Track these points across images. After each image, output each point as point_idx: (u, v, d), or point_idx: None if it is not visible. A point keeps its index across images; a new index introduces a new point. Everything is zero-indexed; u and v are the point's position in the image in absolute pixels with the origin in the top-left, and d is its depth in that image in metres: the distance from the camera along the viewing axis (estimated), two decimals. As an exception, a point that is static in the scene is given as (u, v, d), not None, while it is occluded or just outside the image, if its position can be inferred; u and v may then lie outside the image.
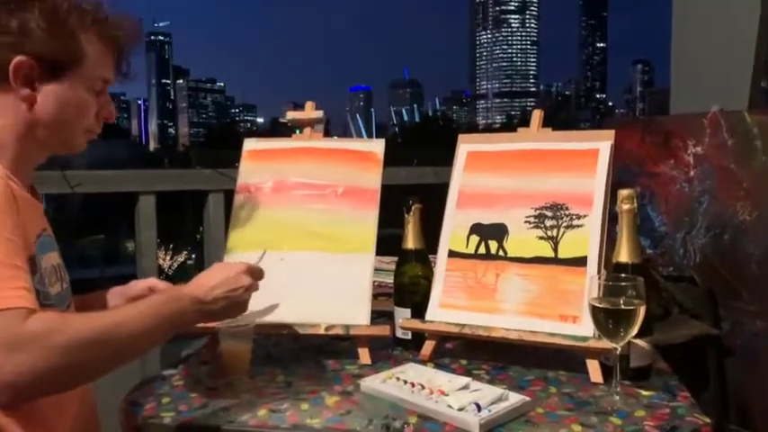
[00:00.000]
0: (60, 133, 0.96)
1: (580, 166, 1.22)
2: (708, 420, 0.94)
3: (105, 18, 0.96)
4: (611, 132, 1.23)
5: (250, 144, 1.41)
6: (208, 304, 0.95)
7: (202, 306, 0.95)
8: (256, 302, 1.24)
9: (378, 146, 1.35)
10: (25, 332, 0.74)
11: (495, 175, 1.30)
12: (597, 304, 0.99)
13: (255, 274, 1.03)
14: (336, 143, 1.39)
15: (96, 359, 0.80)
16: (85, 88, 0.96)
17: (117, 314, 0.86)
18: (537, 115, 1.31)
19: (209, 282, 0.96)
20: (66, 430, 0.96)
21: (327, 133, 1.43)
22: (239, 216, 1.33)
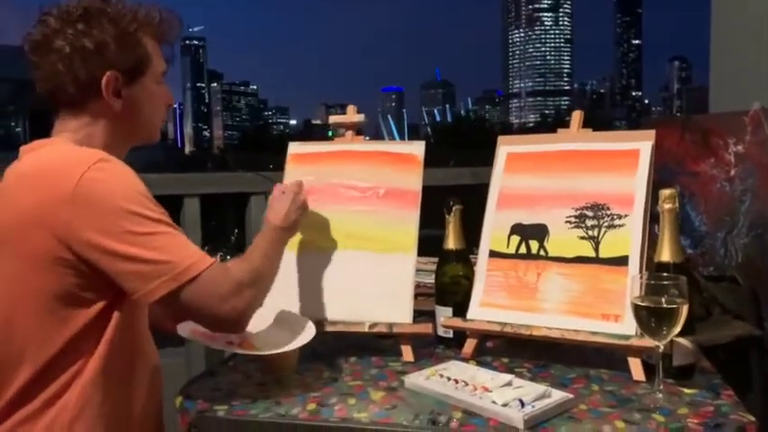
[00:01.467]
0: (144, 128, 1.10)
1: (621, 166, 1.22)
2: (753, 419, 0.94)
3: (160, 21, 1.08)
4: (652, 133, 1.23)
5: (294, 147, 1.44)
6: (290, 226, 1.19)
7: (289, 226, 1.19)
8: (305, 298, 1.28)
9: (418, 148, 1.36)
10: (236, 277, 0.99)
11: (535, 176, 1.31)
12: (640, 303, 1.00)
13: (300, 186, 1.26)
14: (377, 146, 1.40)
15: (266, 286, 1.07)
16: (155, 84, 1.09)
17: (259, 252, 1.09)
18: (577, 116, 1.31)
19: (281, 211, 1.19)
20: (142, 392, 1.05)
21: (359, 134, 1.46)
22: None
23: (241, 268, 1.03)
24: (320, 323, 1.26)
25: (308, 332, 1.16)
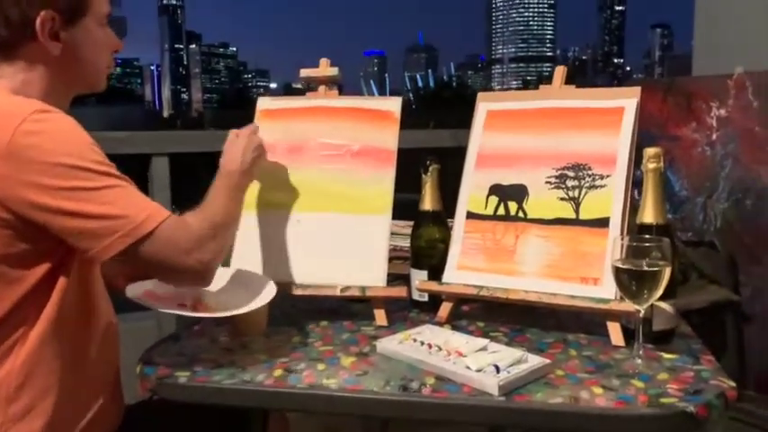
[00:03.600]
0: (87, 75, 1.02)
1: (604, 124, 1.19)
2: (733, 384, 0.92)
3: None
4: (637, 89, 1.19)
5: (264, 103, 1.39)
6: (247, 170, 1.16)
7: (245, 169, 1.16)
8: (273, 261, 1.24)
9: (394, 104, 1.32)
10: (196, 229, 0.97)
11: (515, 135, 1.27)
12: (621, 265, 0.97)
13: (255, 129, 1.23)
14: (352, 101, 1.35)
15: (229, 235, 1.06)
16: (97, 26, 1.01)
17: (217, 201, 1.06)
18: (560, 72, 1.27)
19: (237, 156, 1.16)
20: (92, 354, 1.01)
21: (336, 90, 1.41)
22: (257, 178, 1.32)
23: (200, 219, 1.00)
24: (290, 287, 1.23)
25: (268, 292, 1.12)
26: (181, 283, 1.01)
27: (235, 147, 1.17)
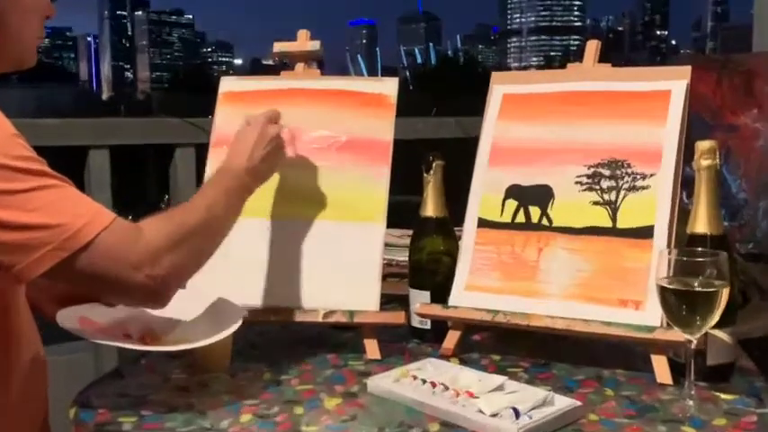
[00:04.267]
0: (12, 48, 1.01)
1: (646, 111, 1.20)
2: (805, 432, 0.93)
3: None
4: (687, 69, 1.20)
5: (228, 84, 1.39)
6: (258, 169, 1.15)
7: (254, 172, 1.14)
8: (239, 280, 1.25)
9: (390, 87, 1.33)
10: (150, 238, 0.96)
11: (537, 124, 1.28)
12: (667, 285, 0.98)
13: (274, 117, 1.21)
14: (337, 83, 1.36)
15: (202, 247, 1.05)
16: None
17: (198, 203, 1.06)
18: (593, 47, 1.28)
19: (245, 149, 1.14)
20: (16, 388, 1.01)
21: (319, 68, 1.43)
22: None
23: (161, 224, 0.99)
24: (260, 312, 1.23)
25: (234, 319, 1.12)
26: (129, 304, 1.01)
27: (244, 138, 1.16)
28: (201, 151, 1.86)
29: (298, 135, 1.28)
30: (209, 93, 1.43)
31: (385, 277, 1.32)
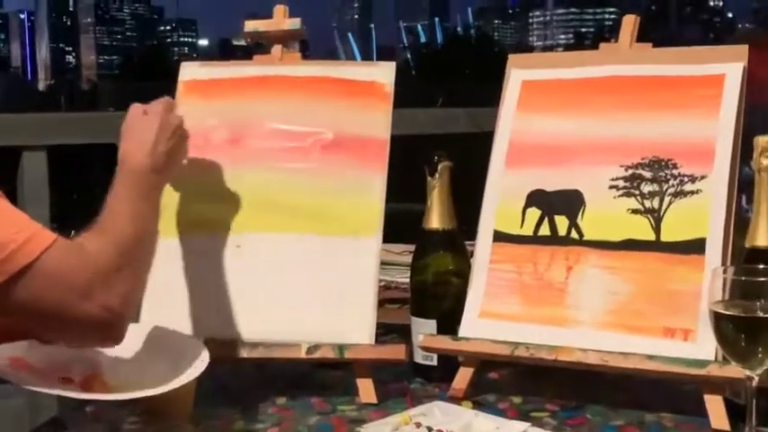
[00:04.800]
0: None
1: (696, 100, 1.21)
2: None
3: None
4: (744, 49, 1.21)
5: (190, 71, 1.40)
6: (163, 164, 1.16)
7: (159, 168, 1.15)
8: (204, 310, 1.25)
9: (386, 73, 1.34)
10: (99, 259, 0.99)
11: (564, 117, 1.29)
12: (723, 311, 0.98)
13: (172, 105, 1.23)
14: (322, 68, 1.37)
15: (144, 263, 1.09)
16: None
17: (122, 214, 1.08)
18: (630, 23, 1.29)
19: (145, 143, 1.15)
20: None
21: (305, 59, 1.43)
22: (175, 182, 1.33)
23: (102, 242, 1.01)
24: (230, 347, 1.23)
25: (197, 360, 1.13)
26: (78, 341, 1.02)
27: (141, 129, 1.17)
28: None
29: (269, 132, 1.30)
30: (168, 81, 1.44)
31: (382, 303, 1.33)
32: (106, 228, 1.05)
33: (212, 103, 1.36)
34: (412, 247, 1.38)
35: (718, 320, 0.99)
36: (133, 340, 1.18)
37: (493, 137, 1.33)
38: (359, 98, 1.32)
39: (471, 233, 1.31)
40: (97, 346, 1.09)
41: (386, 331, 1.35)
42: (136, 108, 1.20)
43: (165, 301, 1.26)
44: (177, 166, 1.22)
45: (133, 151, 1.15)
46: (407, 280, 1.38)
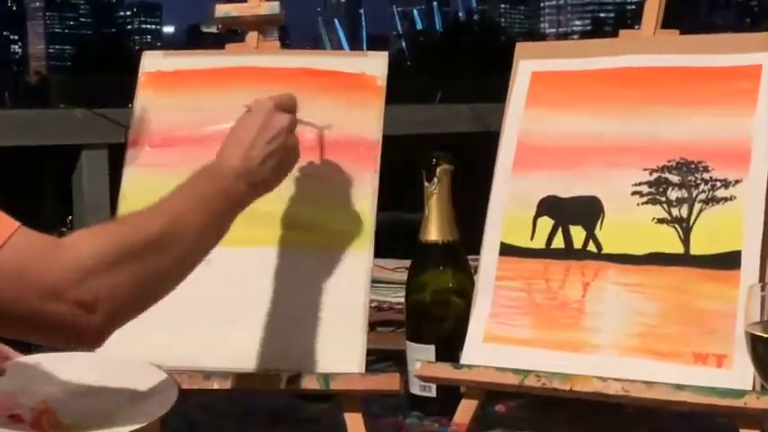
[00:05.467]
0: None
1: (728, 95, 1.21)
2: None
3: None
4: (784, 36, 1.22)
5: (153, 61, 1.41)
6: (256, 172, 1.14)
7: (251, 177, 1.13)
8: (169, 335, 1.25)
9: (377, 64, 1.35)
10: (78, 251, 0.96)
11: (579, 114, 1.30)
12: (762, 333, 0.98)
13: (288, 104, 1.20)
14: (304, 59, 1.38)
15: (163, 268, 1.04)
16: None
17: (163, 208, 1.07)
18: (653, 8, 1.29)
19: (240, 144, 1.14)
20: None
21: (285, 48, 1.46)
22: (135, 189, 1.33)
23: (92, 239, 1.00)
24: (199, 378, 1.23)
25: (163, 395, 1.13)
26: (49, 340, 1.02)
27: (241, 130, 1.17)
28: (117, 155, 1.86)
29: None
30: (128, 74, 1.44)
31: (373, 326, 1.34)
32: (113, 227, 1.05)
33: (178, 98, 1.37)
34: (407, 263, 1.38)
35: (756, 344, 0.99)
36: (90, 371, 1.18)
37: (499, 136, 1.34)
38: (347, 93, 1.33)
39: (475, 247, 1.32)
40: (75, 344, 1.06)
41: (378, 358, 1.36)
42: (246, 107, 1.20)
43: (125, 326, 1.26)
44: (279, 178, 1.19)
45: (224, 152, 1.14)
46: (402, 300, 1.38)
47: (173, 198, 1.08)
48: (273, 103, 1.18)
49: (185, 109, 1.36)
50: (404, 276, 1.39)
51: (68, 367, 1.17)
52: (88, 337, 0.99)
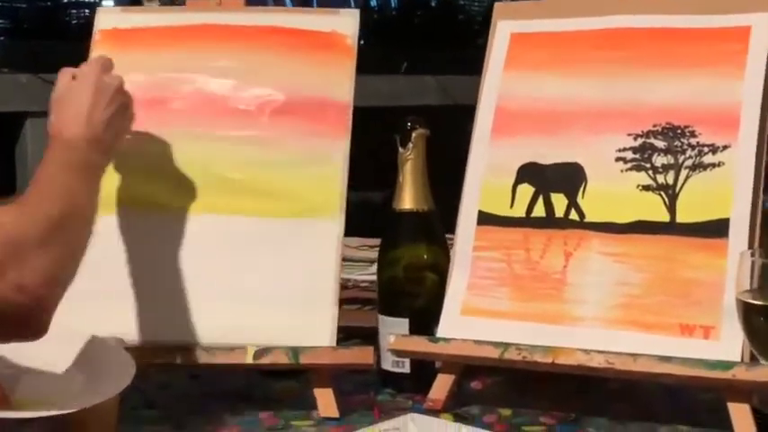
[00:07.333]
0: None
1: (716, 57, 1.22)
2: None
3: None
4: (773, -4, 1.23)
5: (109, 18, 1.39)
6: (102, 139, 1.16)
7: (100, 144, 1.16)
8: (128, 309, 1.24)
9: (347, 22, 1.34)
10: (11, 232, 0.98)
11: (561, 77, 1.30)
12: (753, 301, 0.99)
13: (109, 65, 1.22)
14: (271, 16, 1.37)
15: (75, 245, 1.07)
16: None
17: (49, 188, 1.08)
18: (640, -36, 1.30)
19: (79, 112, 1.15)
20: None
21: (249, 5, 1.43)
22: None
23: (20, 213, 1.02)
24: (161, 352, 1.23)
25: (121, 374, 1.12)
26: None
27: (73, 97, 1.17)
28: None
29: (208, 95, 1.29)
30: (73, 38, 1.42)
31: (343, 303, 1.32)
32: (29, 202, 1.05)
33: (135, 57, 1.35)
34: (370, 241, 1.38)
35: (747, 313, 1.01)
36: (42, 345, 1.16)
37: (467, 110, 1.34)
38: (316, 52, 1.33)
39: (451, 217, 1.32)
40: (15, 340, 1.06)
41: (346, 336, 1.34)
42: (64, 73, 1.20)
43: (79, 297, 1.24)
44: (122, 136, 1.22)
45: (66, 123, 1.15)
46: (368, 278, 1.38)
47: (51, 175, 1.10)
48: (98, 65, 1.20)
49: (143, 68, 1.34)
50: (367, 254, 1.39)
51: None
52: (30, 326, 1.01)
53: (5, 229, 0.98)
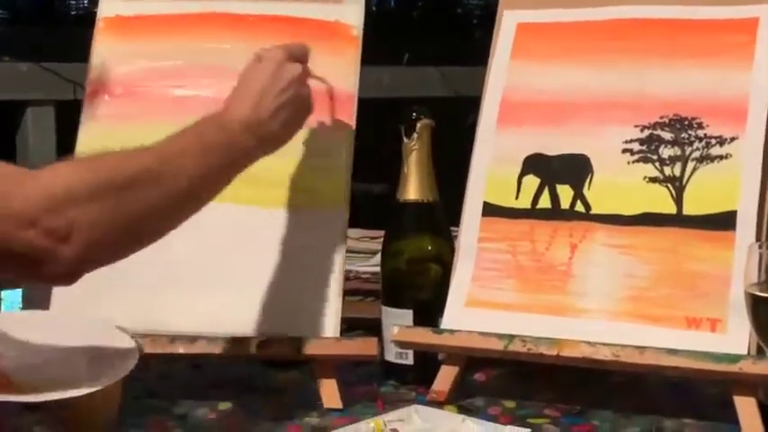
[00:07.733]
0: None
1: (724, 49, 1.22)
2: None
3: None
4: (783, -14, 1.23)
5: (112, 6, 1.39)
6: (265, 125, 1.14)
7: (260, 130, 1.13)
8: (131, 296, 1.24)
9: (352, 11, 1.35)
10: (52, 179, 0.96)
11: (568, 67, 1.30)
12: (762, 293, 0.99)
13: (300, 54, 1.21)
14: (276, 5, 1.37)
15: (146, 203, 1.02)
16: None
17: (164, 147, 1.06)
18: (647, -46, 1.30)
19: (250, 94, 1.14)
20: None
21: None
22: (92, 143, 1.32)
23: (69, 169, 1.00)
24: (163, 341, 1.22)
25: (124, 361, 1.12)
26: (15, 270, 1.00)
27: (250, 79, 1.17)
28: (64, 112, 1.84)
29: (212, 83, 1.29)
30: (71, 26, 1.42)
31: (347, 294, 1.33)
32: (98, 158, 1.04)
33: (139, 46, 1.35)
34: (372, 233, 1.38)
35: (755, 306, 1.01)
36: (45, 330, 1.17)
37: (472, 103, 1.34)
38: (320, 42, 1.32)
39: (454, 207, 1.32)
40: (43, 282, 1.07)
41: (349, 327, 1.34)
42: (253, 56, 1.20)
43: (84, 284, 1.24)
44: (290, 132, 1.19)
45: (234, 102, 1.14)
46: (369, 269, 1.38)
47: (168, 140, 1.07)
48: (285, 51, 1.18)
49: (147, 56, 1.35)
50: (370, 245, 1.39)
51: (25, 326, 1.17)
52: (58, 269, 0.97)
53: (39, 180, 0.96)
